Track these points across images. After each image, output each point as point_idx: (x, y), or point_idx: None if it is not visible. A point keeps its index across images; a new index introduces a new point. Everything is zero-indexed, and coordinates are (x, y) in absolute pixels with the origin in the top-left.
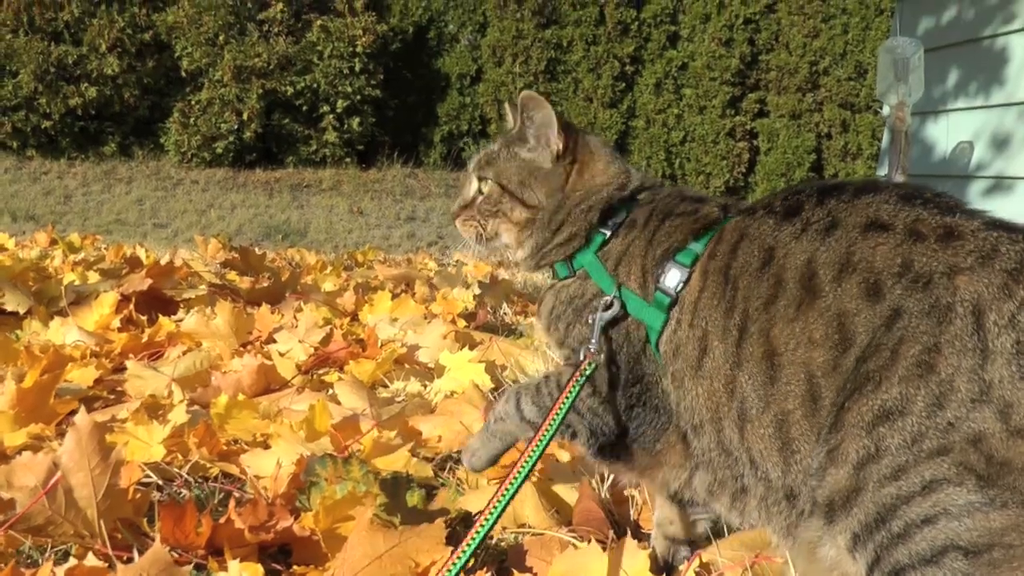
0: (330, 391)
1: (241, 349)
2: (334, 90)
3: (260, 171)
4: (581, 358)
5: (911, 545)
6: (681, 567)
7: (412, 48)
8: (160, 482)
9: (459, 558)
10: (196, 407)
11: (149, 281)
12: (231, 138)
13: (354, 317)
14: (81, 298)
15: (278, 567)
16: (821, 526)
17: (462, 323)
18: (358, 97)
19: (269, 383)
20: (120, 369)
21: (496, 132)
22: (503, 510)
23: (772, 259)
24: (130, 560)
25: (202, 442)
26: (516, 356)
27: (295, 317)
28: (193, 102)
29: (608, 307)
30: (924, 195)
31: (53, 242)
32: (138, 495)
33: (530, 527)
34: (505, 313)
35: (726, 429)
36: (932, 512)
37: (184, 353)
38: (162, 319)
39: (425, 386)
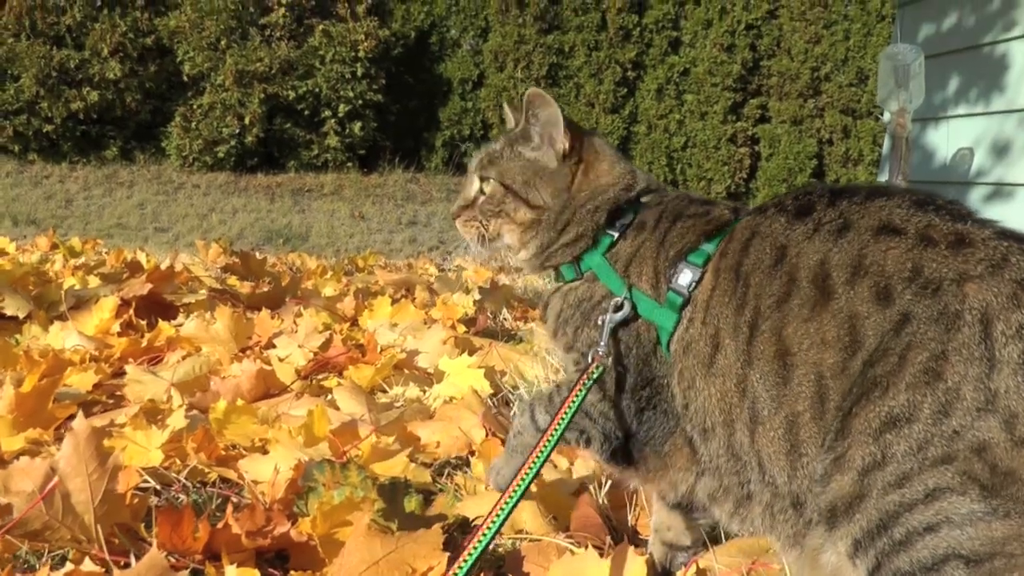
0: (329, 396)
1: (241, 354)
2: (336, 95)
3: (262, 175)
4: (590, 361)
5: (912, 553)
6: (679, 573)
7: (414, 53)
8: (158, 487)
9: (460, 568)
10: (195, 412)
11: (149, 286)
12: (233, 142)
13: (354, 322)
14: (81, 302)
15: (275, 572)
16: (823, 532)
17: (462, 328)
18: (360, 102)
19: (268, 388)
20: (120, 374)
21: (497, 137)
22: (506, 518)
23: (784, 257)
24: (127, 565)
25: (200, 447)
26: (516, 362)
27: (295, 322)
28: (195, 106)
29: (618, 309)
30: (936, 201)
31: (54, 246)
32: (136, 500)
33: (527, 533)
34: (505, 318)
35: (738, 432)
36: (935, 520)
37: (184, 358)
38: (162, 324)
39: (424, 391)
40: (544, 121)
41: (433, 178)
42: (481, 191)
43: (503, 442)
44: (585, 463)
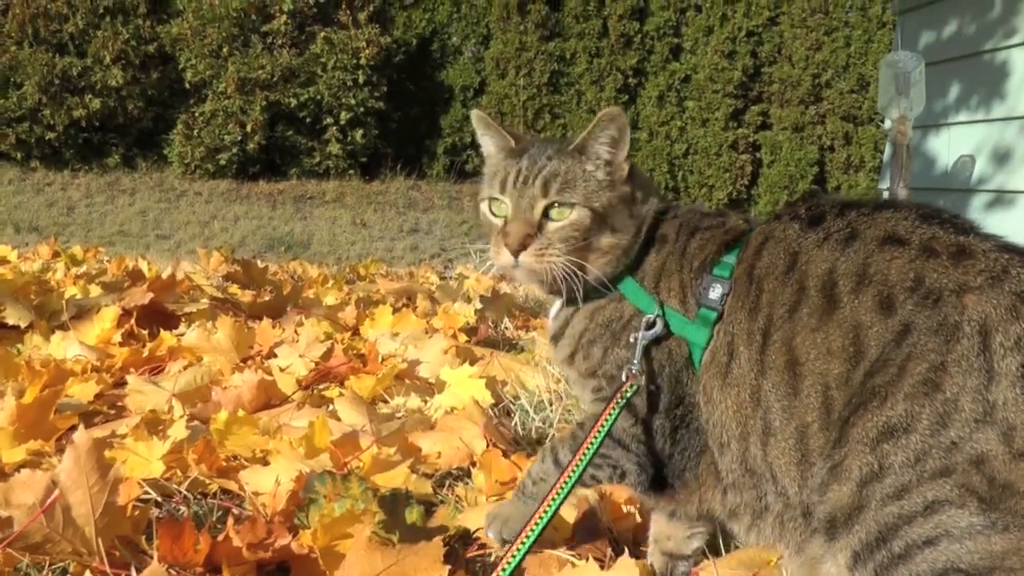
0: (330, 407)
1: (242, 364)
2: (338, 102)
3: (263, 183)
4: (623, 380)
5: (911, 566)
6: None
7: (416, 60)
8: (159, 498)
9: None
10: (196, 422)
11: (151, 295)
12: (235, 150)
13: (355, 332)
14: (82, 312)
15: None
16: (823, 543)
17: (463, 338)
18: (361, 109)
19: (269, 398)
20: (121, 384)
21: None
22: (534, 541)
23: (796, 263)
24: None
25: (201, 458)
26: (517, 371)
27: (296, 332)
28: (197, 114)
29: (651, 326)
30: (942, 215)
31: (55, 254)
32: (137, 512)
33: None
34: (506, 327)
35: (752, 445)
36: (934, 533)
37: (185, 368)
38: (163, 333)
39: (425, 402)
40: (618, 140)
41: (435, 185)
42: (549, 217)
43: (504, 453)
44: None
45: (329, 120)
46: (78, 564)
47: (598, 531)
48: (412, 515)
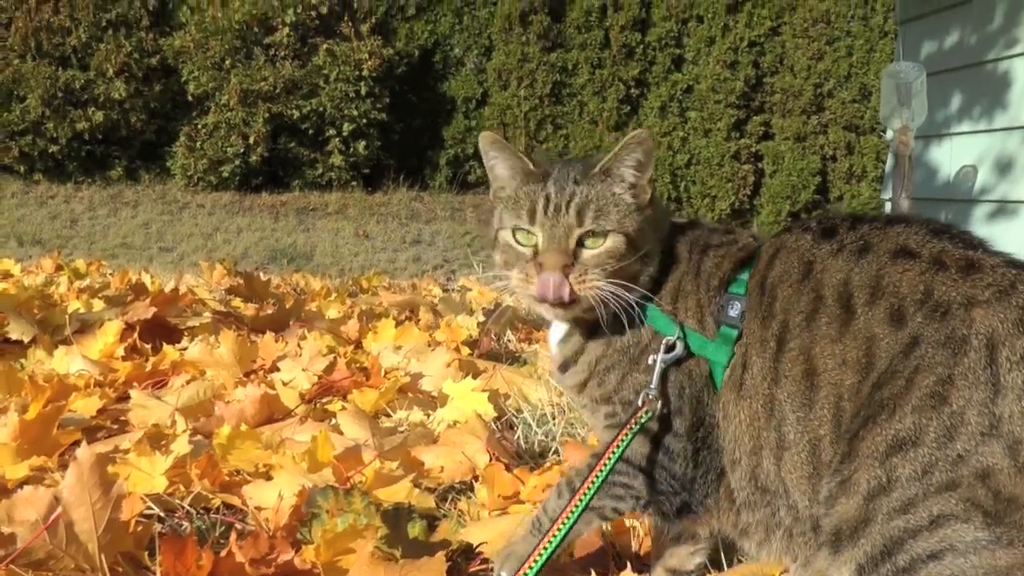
0: (333, 421)
1: (245, 378)
2: (340, 114)
3: (266, 195)
4: (640, 404)
5: None
6: None
7: (418, 72)
8: (162, 514)
9: None
10: (199, 437)
11: (153, 309)
12: (237, 162)
13: (358, 345)
14: (86, 326)
15: None
16: (828, 556)
17: (466, 351)
18: (364, 121)
19: (272, 412)
20: (124, 398)
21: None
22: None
23: (811, 272)
24: None
25: (204, 473)
26: (520, 385)
27: (299, 345)
28: (199, 126)
29: (670, 348)
30: (951, 230)
31: (59, 268)
32: (139, 527)
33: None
34: (509, 340)
35: (764, 460)
36: (938, 547)
37: (188, 382)
38: (166, 347)
39: (428, 415)
40: (645, 164)
41: (437, 196)
42: (583, 245)
43: (507, 467)
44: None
45: (332, 132)
46: None
47: (600, 546)
48: (415, 530)
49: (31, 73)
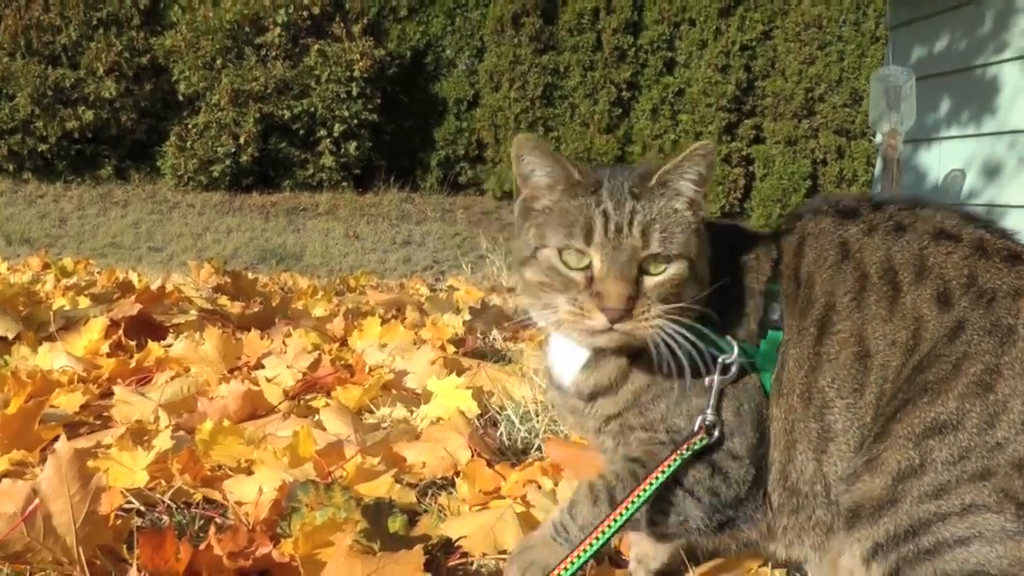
0: (316, 417)
1: (229, 375)
2: (331, 114)
3: (256, 195)
4: (695, 430)
5: (938, 563)
6: None
7: (409, 73)
8: (142, 508)
9: None
10: (182, 433)
11: (139, 306)
12: (228, 162)
13: (343, 343)
14: (71, 323)
15: None
16: (842, 534)
17: (451, 349)
18: (355, 121)
19: (255, 409)
20: (108, 394)
21: (492, 157)
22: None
23: (848, 252)
24: None
25: (185, 468)
26: (504, 382)
27: (284, 343)
28: (190, 126)
29: (726, 368)
30: (979, 218)
31: (46, 266)
32: (119, 521)
33: (510, 553)
34: (495, 339)
35: (799, 456)
36: (967, 534)
37: (172, 379)
38: (151, 344)
39: (411, 412)
40: (706, 179)
41: (428, 198)
42: (646, 271)
43: (488, 463)
44: (569, 484)
45: (323, 132)
46: (59, 573)
47: None
48: (395, 524)
49: (20, 71)
